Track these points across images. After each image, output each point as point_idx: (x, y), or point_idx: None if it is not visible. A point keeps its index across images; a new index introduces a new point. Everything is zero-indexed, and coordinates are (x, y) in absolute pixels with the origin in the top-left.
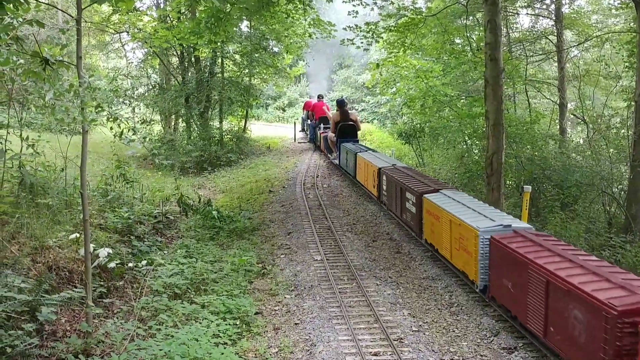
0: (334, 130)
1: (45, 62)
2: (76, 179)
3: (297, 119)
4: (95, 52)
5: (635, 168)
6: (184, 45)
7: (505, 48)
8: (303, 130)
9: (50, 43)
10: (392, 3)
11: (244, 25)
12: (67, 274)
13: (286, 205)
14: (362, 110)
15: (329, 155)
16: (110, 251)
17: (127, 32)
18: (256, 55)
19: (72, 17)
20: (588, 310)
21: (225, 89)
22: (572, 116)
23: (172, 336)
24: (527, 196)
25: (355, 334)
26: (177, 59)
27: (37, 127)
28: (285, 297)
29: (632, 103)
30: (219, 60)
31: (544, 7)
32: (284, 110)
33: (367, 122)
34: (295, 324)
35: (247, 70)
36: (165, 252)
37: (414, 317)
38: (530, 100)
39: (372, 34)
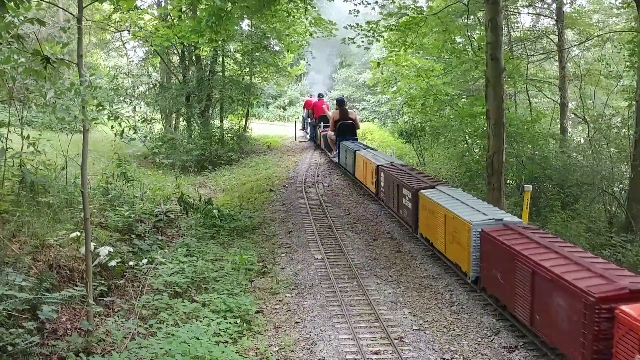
0: (333, 128)
1: (46, 61)
2: (77, 177)
3: (298, 117)
4: (96, 50)
5: (636, 167)
6: (185, 44)
7: (506, 47)
8: (303, 128)
9: (51, 41)
10: (393, 2)
11: (245, 24)
12: (67, 273)
13: (287, 204)
14: (363, 109)
15: (329, 154)
16: (111, 250)
17: (128, 31)
18: (257, 54)
19: (73, 15)
20: (569, 298)
21: (226, 88)
22: (572, 115)
23: (173, 335)
24: (527, 195)
25: (356, 333)
26: (178, 58)
27: (37, 125)
28: (285, 296)
29: (633, 102)
30: (220, 59)
31: (545, 6)
32: (284, 109)
33: (368, 121)
34: (296, 322)
35: (248, 69)
36: (166, 250)
37: (414, 316)
38: (531, 99)
39: (373, 33)
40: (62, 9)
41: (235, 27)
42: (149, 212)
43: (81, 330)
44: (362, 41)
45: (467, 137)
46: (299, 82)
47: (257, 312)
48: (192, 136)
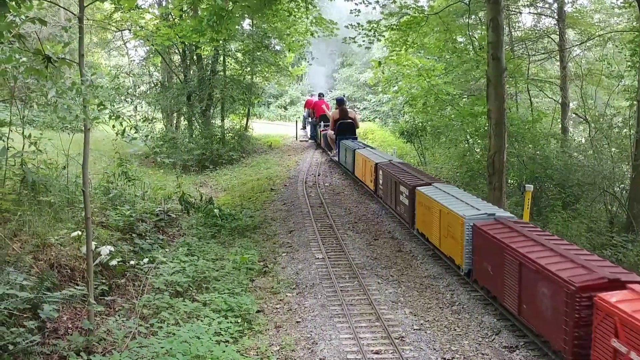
0: (333, 128)
1: (47, 60)
2: (78, 176)
3: (299, 117)
4: (97, 49)
5: (637, 167)
6: (186, 43)
7: (507, 47)
8: (304, 128)
9: (52, 41)
10: (394, 1)
11: (246, 24)
12: (68, 272)
13: (288, 204)
14: (364, 108)
15: (329, 153)
16: (112, 249)
17: (129, 30)
18: (258, 53)
19: (74, 14)
20: (553, 287)
21: (227, 87)
22: (574, 115)
23: (174, 334)
24: (528, 195)
25: (357, 333)
26: (179, 57)
27: (39, 124)
28: (286, 295)
29: (634, 102)
30: (221, 58)
31: (547, 6)
32: (285, 108)
33: (369, 120)
34: (297, 322)
35: (249, 69)
36: (167, 250)
37: (415, 315)
38: (532, 99)
39: (374, 33)
40: (64, 8)
41: (237, 27)
42: (150, 211)
43: (82, 329)
44: (363, 41)
45: (468, 137)
46: (300, 82)
47: (258, 311)
48: (193, 135)
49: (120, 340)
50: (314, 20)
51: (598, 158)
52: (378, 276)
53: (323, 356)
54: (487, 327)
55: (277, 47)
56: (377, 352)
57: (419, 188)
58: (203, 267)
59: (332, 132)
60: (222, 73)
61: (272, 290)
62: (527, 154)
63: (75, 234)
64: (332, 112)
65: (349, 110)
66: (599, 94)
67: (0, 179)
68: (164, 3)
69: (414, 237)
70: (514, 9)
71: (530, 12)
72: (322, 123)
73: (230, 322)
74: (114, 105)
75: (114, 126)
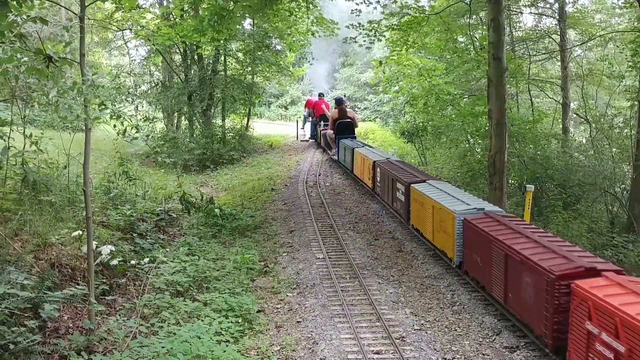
0: (332, 127)
1: (48, 60)
2: (79, 176)
3: (300, 117)
4: (98, 49)
5: (638, 168)
6: (187, 43)
7: (508, 47)
8: (302, 127)
9: (53, 40)
10: (395, 1)
11: (247, 23)
12: (69, 271)
13: (288, 204)
14: (365, 108)
15: (329, 152)
16: (113, 248)
17: (130, 30)
18: (259, 53)
19: (76, 14)
20: (535, 276)
21: (228, 87)
22: (575, 115)
23: (175, 334)
24: (529, 195)
25: (357, 333)
26: (180, 57)
27: (40, 124)
28: (287, 295)
29: (635, 103)
30: (222, 58)
31: (548, 6)
32: (286, 108)
33: (370, 120)
34: (298, 322)
35: (249, 68)
36: (168, 249)
37: (416, 315)
38: (533, 99)
39: (375, 33)
40: (65, 7)
41: (237, 26)
42: (151, 211)
43: (83, 328)
44: (364, 41)
45: (469, 137)
46: (301, 82)
47: (258, 311)
48: (194, 135)
49: (121, 339)
50: (314, 20)
51: (599, 158)
52: (379, 276)
53: (324, 356)
54: (488, 327)
55: (278, 47)
56: (377, 352)
57: (413, 185)
58: (204, 267)
59: (332, 132)
60: (222, 73)
61: (273, 290)
62: (528, 154)
63: (76, 233)
64: (331, 112)
65: (348, 110)
66: (600, 94)
67: (1, 179)
68: (164, 3)
69: (415, 237)
70: (515, 9)
71: (531, 12)
72: (322, 122)
73: (231, 321)
74: (115, 105)
75: (115, 126)
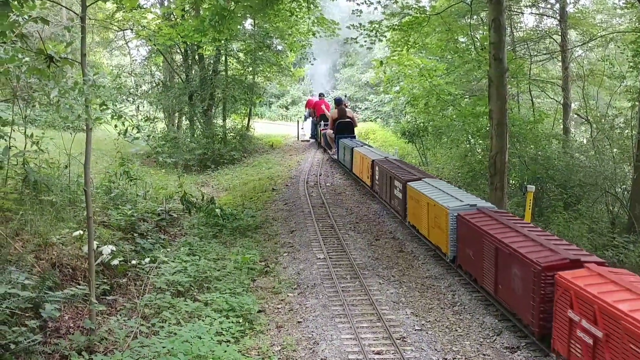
0: (332, 127)
1: (49, 60)
2: (80, 176)
3: (301, 117)
4: (99, 49)
5: (639, 168)
6: (188, 43)
7: (509, 47)
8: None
9: (54, 40)
10: (396, 2)
11: (248, 23)
12: (70, 271)
13: (289, 204)
14: (366, 109)
15: (329, 151)
16: (114, 248)
17: (131, 30)
18: (260, 53)
19: (77, 14)
20: (523, 268)
21: (229, 87)
22: (575, 116)
23: (175, 334)
24: (530, 196)
25: (358, 333)
26: (181, 57)
27: (41, 124)
28: (288, 295)
29: (637, 103)
30: (223, 58)
31: (549, 6)
32: (287, 108)
33: (371, 120)
34: (298, 322)
35: (250, 69)
36: (169, 249)
37: (416, 316)
38: (534, 99)
39: (376, 33)
40: (66, 7)
41: (238, 27)
42: (152, 211)
43: (84, 328)
44: (365, 41)
45: (470, 137)
46: (302, 82)
47: (259, 311)
48: (195, 135)
49: (122, 339)
50: (315, 21)
51: (600, 159)
52: (379, 276)
53: (324, 356)
54: (489, 327)
55: (279, 47)
56: (378, 353)
57: (409, 183)
58: (204, 267)
59: (331, 131)
60: (223, 73)
61: (274, 290)
62: (529, 155)
63: (77, 233)
64: (331, 112)
65: (347, 109)
66: (601, 94)
67: (2, 178)
68: (166, 3)
69: (416, 238)
70: (515, 10)
71: (532, 13)
72: (322, 122)
73: (232, 322)
74: (116, 105)
75: (116, 126)
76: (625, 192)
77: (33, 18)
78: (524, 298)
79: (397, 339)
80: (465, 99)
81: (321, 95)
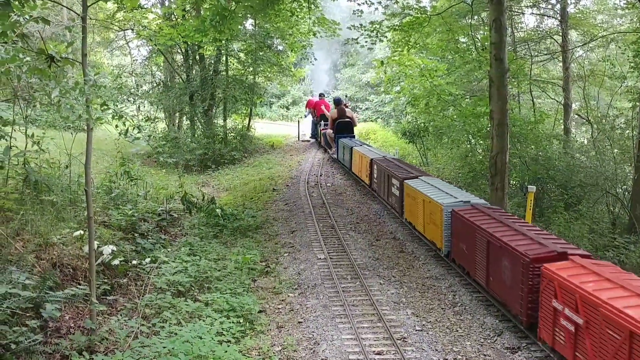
0: (331, 127)
1: (50, 60)
2: (80, 176)
3: (301, 117)
4: (99, 49)
5: (639, 169)
6: (189, 43)
7: (510, 48)
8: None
9: (55, 40)
10: (397, 2)
11: (249, 24)
12: (71, 271)
13: (290, 204)
14: (366, 109)
15: (329, 151)
16: (114, 248)
17: (132, 30)
18: (260, 53)
19: (78, 14)
20: (512, 260)
21: (230, 87)
22: (576, 116)
23: (176, 334)
24: (531, 196)
25: (359, 333)
26: (182, 57)
27: (41, 124)
28: (288, 296)
29: (637, 104)
30: (224, 58)
31: (549, 6)
32: (287, 108)
33: (371, 120)
34: (299, 322)
35: (251, 69)
36: (169, 249)
37: (417, 316)
38: (534, 100)
39: (377, 33)
40: (67, 7)
41: (239, 27)
42: (152, 211)
43: (84, 328)
44: (366, 41)
45: (471, 138)
46: (302, 82)
47: (260, 311)
48: (196, 135)
49: (123, 339)
50: (316, 21)
51: (600, 159)
52: (380, 277)
53: (325, 356)
54: (489, 328)
55: (280, 47)
56: (379, 353)
57: (406, 181)
58: (205, 267)
59: (331, 131)
60: (224, 73)
61: (274, 290)
62: (530, 155)
63: (77, 233)
64: (331, 112)
65: (346, 109)
66: (602, 95)
67: (3, 178)
68: (166, 3)
69: (416, 238)
70: (516, 10)
71: (533, 13)
72: (322, 122)
73: (232, 322)
74: (116, 105)
75: (116, 126)
76: (626, 193)
77: (34, 18)
78: (513, 289)
79: (397, 340)
80: (466, 99)
81: (321, 95)
